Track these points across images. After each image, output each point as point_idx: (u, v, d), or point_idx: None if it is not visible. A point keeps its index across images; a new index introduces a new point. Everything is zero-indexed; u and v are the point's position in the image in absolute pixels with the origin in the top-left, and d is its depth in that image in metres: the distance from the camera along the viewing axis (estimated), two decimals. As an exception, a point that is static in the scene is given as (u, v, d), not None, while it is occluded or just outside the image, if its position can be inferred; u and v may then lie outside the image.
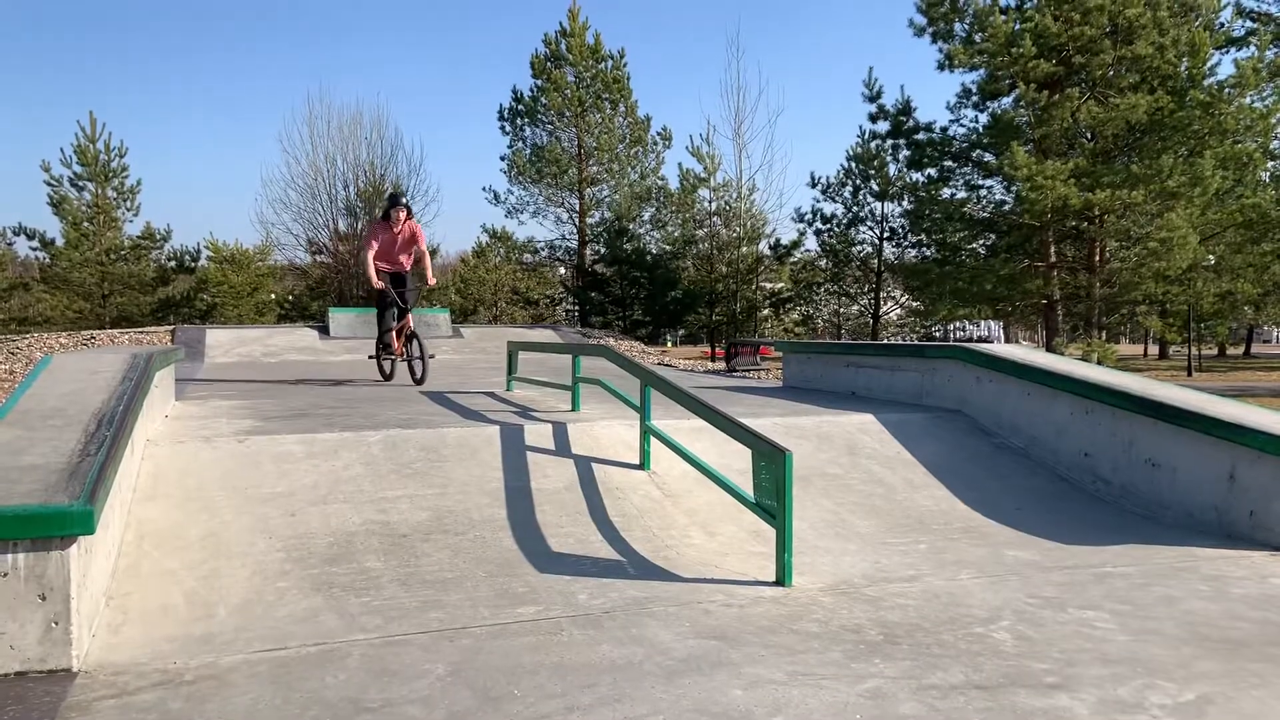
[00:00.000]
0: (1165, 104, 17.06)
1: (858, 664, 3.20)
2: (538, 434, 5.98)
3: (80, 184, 28.26)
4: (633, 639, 3.44)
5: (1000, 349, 6.93)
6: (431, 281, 9.43)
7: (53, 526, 3.16)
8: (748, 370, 16.28)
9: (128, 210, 29.11)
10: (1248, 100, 17.76)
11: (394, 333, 9.06)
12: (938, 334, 39.36)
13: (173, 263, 29.99)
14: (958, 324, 46.53)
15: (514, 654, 3.31)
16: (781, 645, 3.38)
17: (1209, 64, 17.91)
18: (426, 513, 4.83)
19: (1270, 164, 18.52)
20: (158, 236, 29.71)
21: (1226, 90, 16.95)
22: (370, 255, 8.80)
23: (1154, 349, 50.02)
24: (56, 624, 3.19)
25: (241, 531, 4.49)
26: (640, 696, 2.93)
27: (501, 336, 13.37)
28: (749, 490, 4.59)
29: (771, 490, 4.25)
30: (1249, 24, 21.85)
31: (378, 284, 8.77)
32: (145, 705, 2.91)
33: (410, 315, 9.10)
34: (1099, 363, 18.75)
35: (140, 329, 15.89)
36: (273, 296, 33.22)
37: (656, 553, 4.56)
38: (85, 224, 27.86)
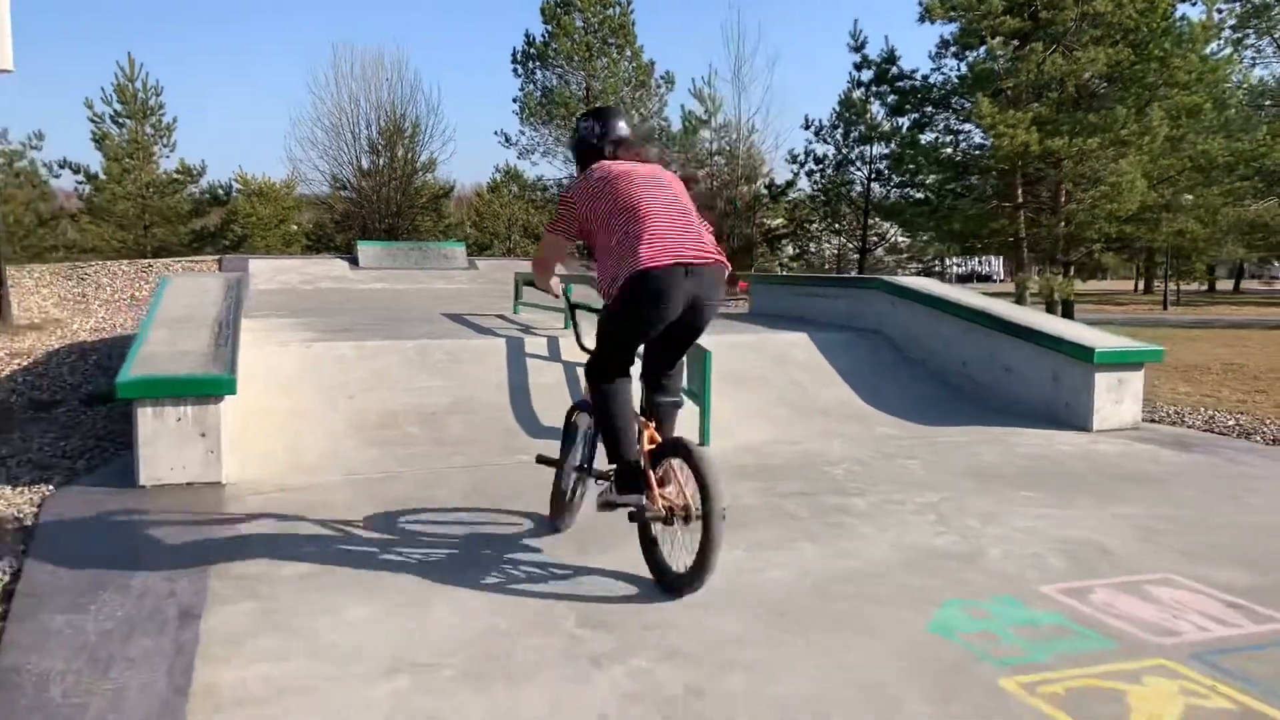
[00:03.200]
0: (1125, 57, 18.31)
1: (731, 484, 4.88)
2: (536, 345, 7.62)
3: (120, 121, 29.89)
4: (590, 471, 5.13)
5: (908, 280, 8.50)
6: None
7: (210, 388, 4.87)
8: (726, 301, 17.82)
9: (164, 146, 30.81)
10: (1205, 52, 18.95)
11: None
12: (936, 270, 40.77)
13: (207, 196, 31.72)
14: (957, 260, 47.76)
15: (512, 479, 5.00)
16: (688, 474, 5.06)
17: (1171, 19, 19.10)
18: (449, 398, 6.50)
19: (1222, 113, 19.77)
20: (193, 172, 31.35)
21: (1181, 44, 18.15)
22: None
23: (1143, 284, 51.26)
24: (211, 453, 4.91)
25: (316, 408, 6.18)
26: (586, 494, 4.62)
27: (512, 269, 14.93)
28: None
29: (699, 380, 5.91)
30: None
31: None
32: (277, 499, 4.62)
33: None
34: (1063, 298, 20.21)
35: (189, 258, 17.52)
36: (295, 228, 34.82)
37: (618, 427, 6.23)
38: (126, 159, 29.51)
